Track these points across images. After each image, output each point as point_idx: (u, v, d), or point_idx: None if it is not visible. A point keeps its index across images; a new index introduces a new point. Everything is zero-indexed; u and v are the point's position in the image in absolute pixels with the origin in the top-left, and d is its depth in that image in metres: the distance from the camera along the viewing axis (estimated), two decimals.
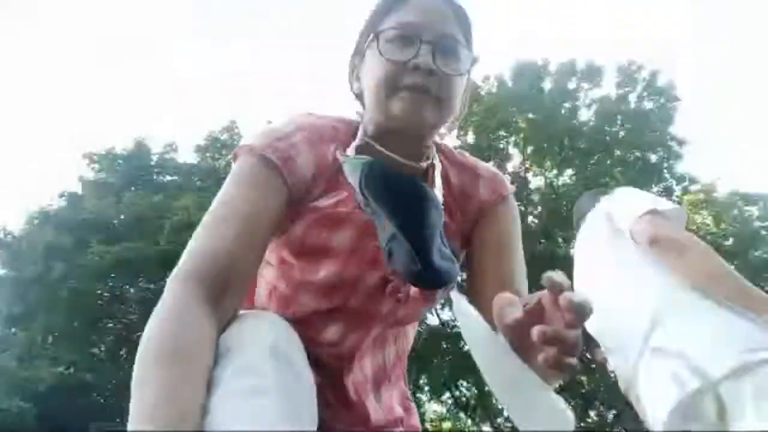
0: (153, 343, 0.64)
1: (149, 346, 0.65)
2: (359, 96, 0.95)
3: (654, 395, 1.22)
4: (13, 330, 14.40)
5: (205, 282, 0.71)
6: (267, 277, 0.93)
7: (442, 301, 14.10)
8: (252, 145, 0.84)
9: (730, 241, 15.21)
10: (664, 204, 1.48)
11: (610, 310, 1.47)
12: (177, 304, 0.68)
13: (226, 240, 0.74)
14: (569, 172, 17.80)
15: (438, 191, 0.88)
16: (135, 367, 0.66)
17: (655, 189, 16.46)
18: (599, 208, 1.64)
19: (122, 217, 14.83)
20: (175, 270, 0.76)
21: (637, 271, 1.45)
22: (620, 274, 1.51)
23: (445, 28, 0.83)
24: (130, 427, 0.61)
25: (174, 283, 0.74)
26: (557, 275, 0.59)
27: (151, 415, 0.59)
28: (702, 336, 1.17)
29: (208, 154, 18.68)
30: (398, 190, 0.78)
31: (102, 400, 13.06)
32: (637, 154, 16.41)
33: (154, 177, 17.56)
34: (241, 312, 0.76)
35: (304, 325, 0.80)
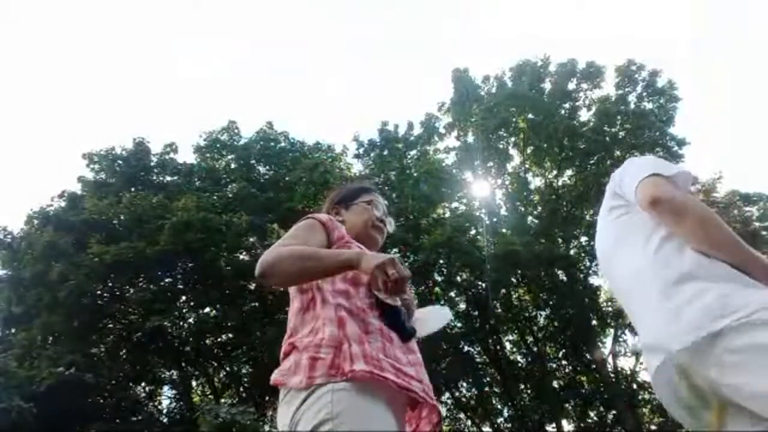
0: (297, 249, 1.39)
1: (295, 250, 1.38)
2: (342, 220, 1.69)
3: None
4: (13, 330, 14.39)
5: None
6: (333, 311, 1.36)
7: (442, 303, 14.01)
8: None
9: None
10: (669, 167, 1.45)
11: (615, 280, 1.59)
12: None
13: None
14: (569, 172, 17.80)
15: None
16: (290, 258, 1.35)
17: None
18: (612, 179, 1.65)
19: (122, 217, 14.82)
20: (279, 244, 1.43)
21: (628, 239, 1.49)
22: (618, 243, 1.56)
23: (386, 210, 1.82)
24: (336, 260, 1.36)
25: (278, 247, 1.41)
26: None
27: (334, 253, 1.40)
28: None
29: (207, 155, 18.68)
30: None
31: (102, 400, 13.06)
32: (637, 154, 16.36)
33: (154, 177, 17.55)
34: None
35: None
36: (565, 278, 16.02)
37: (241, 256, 15.31)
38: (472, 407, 16.52)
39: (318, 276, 1.37)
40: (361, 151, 18.15)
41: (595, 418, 15.80)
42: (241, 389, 15.74)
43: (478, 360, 16.28)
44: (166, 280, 14.82)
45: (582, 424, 15.65)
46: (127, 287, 14.43)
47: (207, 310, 14.84)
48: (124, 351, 14.45)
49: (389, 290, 1.27)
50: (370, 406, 1.17)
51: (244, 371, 15.67)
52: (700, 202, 1.36)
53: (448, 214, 16.73)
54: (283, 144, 18.85)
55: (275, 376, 1.29)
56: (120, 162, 16.98)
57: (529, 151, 18.03)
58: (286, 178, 17.34)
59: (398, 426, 1.22)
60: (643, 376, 16.06)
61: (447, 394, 16.21)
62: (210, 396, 15.58)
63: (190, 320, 14.11)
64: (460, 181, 17.60)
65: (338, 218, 1.68)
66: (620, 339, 16.24)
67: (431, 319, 1.75)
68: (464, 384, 16.29)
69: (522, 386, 16.17)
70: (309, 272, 1.34)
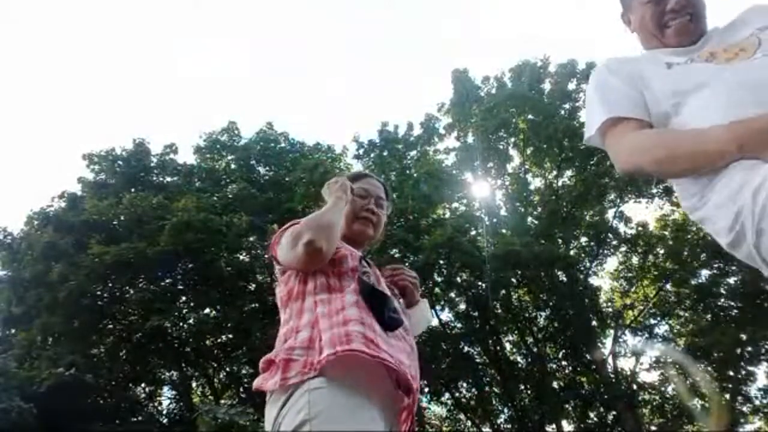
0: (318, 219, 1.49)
1: (318, 220, 1.48)
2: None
3: None
4: (13, 330, 14.39)
5: None
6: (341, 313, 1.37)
7: (442, 303, 13.98)
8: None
9: None
10: None
11: None
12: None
13: None
14: (569, 173, 17.80)
15: (375, 269, 1.58)
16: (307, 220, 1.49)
17: (654, 190, 16.45)
18: None
19: (122, 217, 14.82)
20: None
21: None
22: None
23: (379, 192, 1.75)
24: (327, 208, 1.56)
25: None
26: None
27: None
28: None
29: (207, 155, 18.69)
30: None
31: (102, 401, 13.06)
32: None
33: (154, 178, 17.56)
34: None
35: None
36: (565, 279, 16.02)
37: (241, 257, 15.31)
38: (472, 408, 16.51)
39: (326, 231, 1.48)
40: (361, 151, 18.16)
41: (595, 419, 15.79)
42: (241, 390, 15.73)
43: (478, 360, 16.27)
44: (166, 280, 14.82)
45: (582, 425, 15.64)
46: (127, 288, 14.42)
47: (207, 310, 14.84)
48: (124, 351, 14.44)
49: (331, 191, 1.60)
50: (349, 403, 1.15)
51: (244, 372, 15.65)
52: None
53: (448, 215, 16.74)
54: (283, 144, 18.86)
55: (256, 382, 1.30)
56: (120, 163, 16.99)
57: (529, 151, 18.03)
58: (286, 179, 17.34)
59: (383, 416, 1.20)
60: (643, 377, 16.09)
61: (447, 395, 16.21)
62: (210, 397, 15.58)
63: (190, 321, 14.11)
64: (460, 181, 17.60)
65: None
66: (620, 339, 16.24)
67: (421, 320, 1.78)
68: (464, 384, 16.29)
69: (522, 387, 16.16)
70: (321, 230, 1.46)
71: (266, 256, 15.22)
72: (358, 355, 1.18)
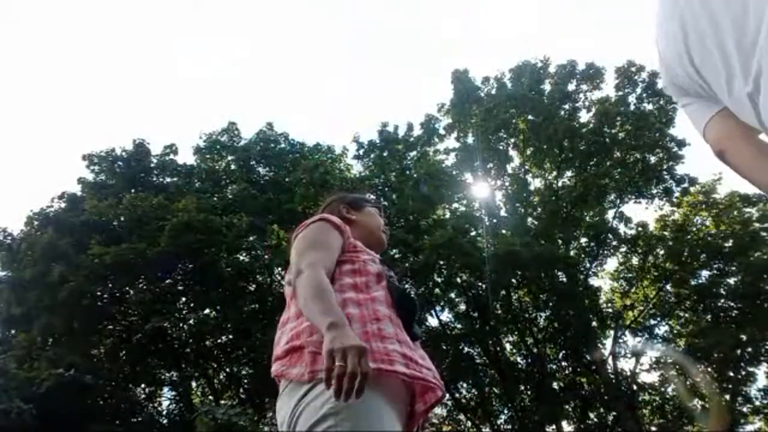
0: (324, 285, 1.30)
1: (323, 286, 1.29)
2: (349, 221, 1.67)
3: None
4: (13, 331, 14.39)
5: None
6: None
7: (442, 304, 13.93)
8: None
9: (729, 242, 15.20)
10: None
11: None
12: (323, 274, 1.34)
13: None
14: (569, 173, 17.80)
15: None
16: (312, 290, 1.28)
17: (654, 190, 16.45)
18: None
19: (122, 218, 14.83)
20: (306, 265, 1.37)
21: None
22: None
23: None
24: (322, 319, 1.20)
25: (315, 268, 1.35)
26: None
27: (330, 311, 1.22)
28: None
29: (207, 156, 18.69)
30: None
31: (101, 402, 13.05)
32: (637, 155, 16.40)
33: (154, 178, 17.57)
34: None
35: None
36: (565, 279, 16.01)
37: (241, 258, 15.31)
38: (472, 408, 16.51)
39: (310, 320, 1.28)
40: (361, 152, 18.16)
41: (595, 420, 15.80)
42: (241, 391, 15.73)
43: (478, 361, 16.27)
44: (166, 281, 14.81)
45: (582, 426, 15.63)
46: (127, 288, 14.43)
47: (207, 311, 14.84)
48: (123, 352, 14.44)
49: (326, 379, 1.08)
50: (373, 401, 1.15)
51: (244, 373, 15.66)
52: None
53: (448, 216, 16.73)
54: (283, 145, 18.87)
55: (276, 368, 1.30)
56: (120, 163, 17.00)
57: (528, 152, 18.03)
58: (286, 179, 17.34)
59: (398, 417, 1.23)
60: (643, 378, 16.08)
61: (447, 395, 16.20)
62: (210, 397, 15.58)
63: (190, 321, 14.11)
64: (460, 182, 17.60)
65: (350, 216, 1.69)
66: (620, 340, 16.24)
67: None
68: (464, 385, 16.29)
69: (522, 387, 16.15)
70: (307, 313, 1.28)
71: (266, 256, 15.25)
72: (399, 375, 1.22)
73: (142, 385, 15.46)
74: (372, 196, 1.98)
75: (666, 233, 16.42)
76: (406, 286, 1.52)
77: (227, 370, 15.87)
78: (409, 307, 1.42)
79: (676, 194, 16.37)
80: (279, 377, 1.30)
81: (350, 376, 1.04)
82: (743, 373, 14.67)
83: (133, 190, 16.15)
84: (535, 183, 18.54)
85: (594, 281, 17.18)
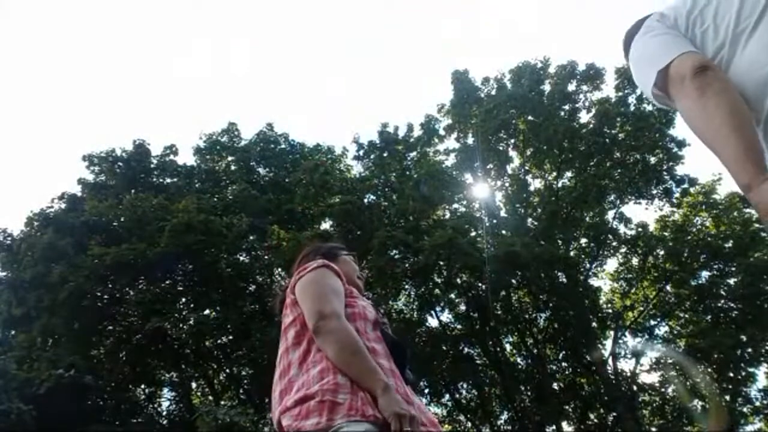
0: (360, 343, 1.38)
1: (360, 346, 1.37)
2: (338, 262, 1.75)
3: None
4: (13, 332, 14.38)
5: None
6: None
7: (442, 304, 13.91)
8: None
9: (729, 243, 15.20)
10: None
11: None
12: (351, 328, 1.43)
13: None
14: (569, 174, 17.80)
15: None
16: (351, 346, 1.36)
17: (654, 191, 16.45)
18: None
19: (122, 219, 14.83)
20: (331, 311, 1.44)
21: None
22: None
23: None
24: (372, 378, 1.31)
25: (339, 320, 1.42)
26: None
27: (377, 371, 1.34)
28: None
29: (207, 157, 18.70)
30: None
31: (101, 402, 13.04)
32: (637, 156, 16.39)
33: (154, 179, 17.57)
34: None
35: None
36: (565, 280, 16.01)
37: (242, 258, 15.31)
38: (472, 409, 16.50)
39: (349, 373, 1.35)
40: (361, 152, 18.17)
41: (595, 420, 15.78)
42: (241, 391, 15.72)
43: (478, 362, 16.27)
44: (166, 281, 14.81)
45: (582, 426, 15.63)
46: (127, 289, 14.42)
47: (207, 311, 14.83)
48: (123, 353, 14.43)
49: None
50: None
51: (244, 373, 15.65)
52: None
53: (448, 216, 16.73)
54: (283, 146, 18.88)
55: (287, 422, 1.31)
56: (120, 164, 17.00)
57: (528, 152, 18.03)
58: (286, 180, 17.35)
59: None
60: (643, 378, 16.07)
61: (447, 396, 16.19)
62: (210, 398, 15.57)
63: (190, 322, 14.10)
64: (460, 182, 17.60)
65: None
66: (620, 341, 16.23)
67: None
68: (464, 386, 16.28)
69: (522, 388, 16.14)
70: (348, 366, 1.34)
71: (266, 257, 15.24)
72: None
73: (142, 386, 15.46)
74: (344, 245, 1.98)
75: (666, 234, 16.42)
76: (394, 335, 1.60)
77: (227, 370, 15.86)
78: (402, 354, 1.50)
79: (676, 195, 16.37)
80: (289, 430, 1.31)
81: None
82: (743, 373, 14.66)
83: (133, 191, 16.15)
84: (535, 183, 18.56)
85: (594, 282, 17.20)
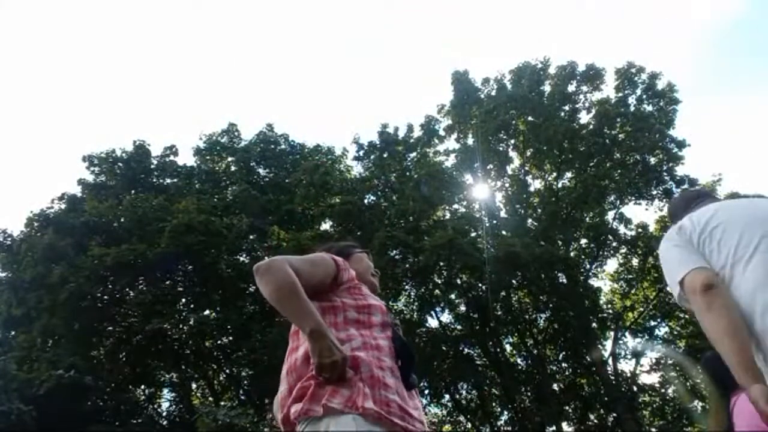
0: (298, 288, 1.43)
1: (297, 288, 1.42)
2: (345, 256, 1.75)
3: None
4: (13, 332, 14.38)
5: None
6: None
7: (442, 305, 13.90)
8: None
9: None
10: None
11: None
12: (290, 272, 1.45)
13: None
14: (569, 174, 17.80)
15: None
16: (291, 291, 1.41)
17: (654, 191, 16.45)
18: None
19: (122, 219, 14.83)
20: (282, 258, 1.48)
21: None
22: None
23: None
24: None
25: (281, 263, 1.46)
26: None
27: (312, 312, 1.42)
28: None
29: (207, 157, 18.70)
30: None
31: (101, 403, 13.04)
32: (637, 156, 16.40)
33: (154, 180, 17.58)
34: None
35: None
36: (565, 280, 16.01)
37: (242, 259, 15.30)
38: (472, 409, 16.50)
39: (283, 311, 1.44)
40: (361, 153, 18.16)
41: (595, 421, 15.77)
42: (241, 392, 15.71)
43: (478, 362, 16.26)
44: (167, 282, 14.81)
45: (582, 427, 15.62)
46: (128, 290, 14.42)
47: (207, 312, 14.83)
48: (123, 353, 14.42)
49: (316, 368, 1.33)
50: None
51: (244, 374, 15.64)
52: None
53: (448, 217, 16.73)
54: (283, 146, 18.89)
55: (295, 411, 1.36)
56: (120, 164, 17.00)
57: (528, 153, 18.04)
58: (287, 181, 17.35)
59: None
60: (644, 379, 16.07)
61: (447, 396, 16.19)
62: (210, 398, 15.56)
63: (190, 323, 14.10)
64: (460, 183, 17.60)
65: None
66: (620, 341, 16.23)
67: None
68: (464, 386, 16.27)
69: (522, 388, 16.14)
70: (282, 304, 1.42)
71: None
72: (394, 423, 1.35)
73: (142, 387, 15.45)
74: (357, 243, 1.99)
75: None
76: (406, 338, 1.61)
77: (227, 371, 15.85)
78: (409, 358, 1.52)
79: (676, 195, 16.36)
80: (299, 419, 1.36)
81: (325, 366, 1.33)
82: None
83: (133, 192, 16.16)
84: (535, 184, 18.56)
85: (594, 282, 17.19)
